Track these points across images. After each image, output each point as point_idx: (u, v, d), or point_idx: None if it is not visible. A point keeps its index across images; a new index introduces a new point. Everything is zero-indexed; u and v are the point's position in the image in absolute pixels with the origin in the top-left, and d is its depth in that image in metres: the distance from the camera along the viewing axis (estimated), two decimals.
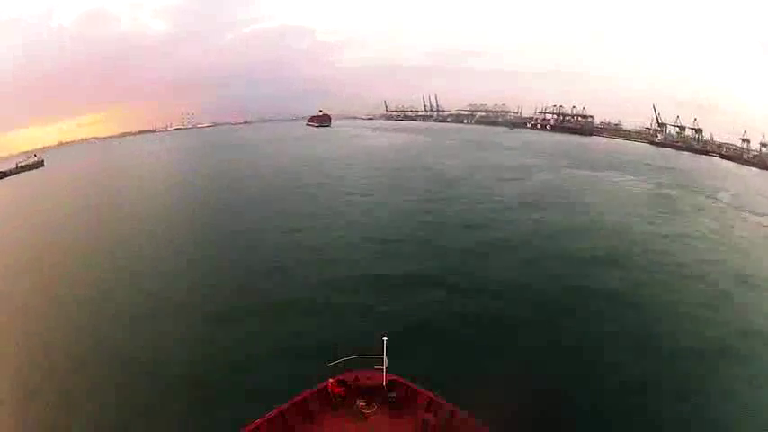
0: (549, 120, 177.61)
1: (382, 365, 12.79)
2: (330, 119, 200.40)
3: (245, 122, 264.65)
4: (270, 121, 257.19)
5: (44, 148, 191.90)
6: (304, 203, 48.04)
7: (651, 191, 54.99)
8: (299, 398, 12.42)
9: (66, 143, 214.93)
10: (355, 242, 33.53)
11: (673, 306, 23.07)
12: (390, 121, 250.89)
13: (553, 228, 36.81)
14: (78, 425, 15.49)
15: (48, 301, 25.72)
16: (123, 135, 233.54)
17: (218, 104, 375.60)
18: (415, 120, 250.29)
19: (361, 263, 28.87)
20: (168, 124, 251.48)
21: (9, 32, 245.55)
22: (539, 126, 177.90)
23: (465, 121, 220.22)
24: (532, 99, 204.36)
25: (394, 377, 13.07)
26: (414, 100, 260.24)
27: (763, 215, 45.06)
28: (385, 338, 12.60)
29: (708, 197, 52.22)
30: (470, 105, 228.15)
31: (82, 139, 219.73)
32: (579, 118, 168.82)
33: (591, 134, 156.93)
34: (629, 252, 31.21)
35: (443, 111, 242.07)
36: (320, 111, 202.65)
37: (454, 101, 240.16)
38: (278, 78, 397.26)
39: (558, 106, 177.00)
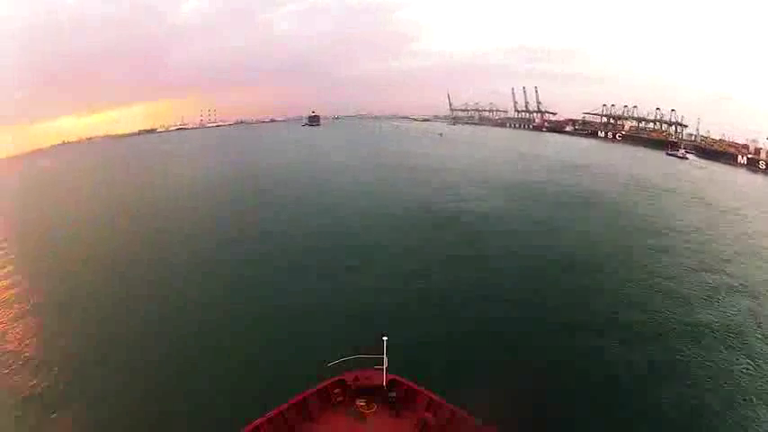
0: None
1: (382, 365, 12.78)
2: (319, 119, 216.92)
3: (272, 120, 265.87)
4: (298, 119, 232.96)
5: (51, 146, 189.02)
6: None
7: None
8: (299, 397, 12.44)
9: (68, 142, 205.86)
10: None
11: None
12: (457, 126, 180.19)
13: None
14: None
15: None
16: (143, 132, 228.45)
17: (261, 99, 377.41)
18: (504, 125, 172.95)
19: None
20: (180, 122, 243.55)
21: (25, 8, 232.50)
22: (763, 165, 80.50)
23: (600, 134, 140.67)
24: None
25: (394, 377, 13.06)
26: (490, 96, 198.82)
27: None
28: (385, 338, 12.60)
29: None
30: (603, 107, 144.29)
31: (87, 138, 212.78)
32: None
33: None
34: None
35: (548, 112, 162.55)
36: (312, 111, 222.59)
37: (551, 104, 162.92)
38: (329, 71, 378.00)
39: None
